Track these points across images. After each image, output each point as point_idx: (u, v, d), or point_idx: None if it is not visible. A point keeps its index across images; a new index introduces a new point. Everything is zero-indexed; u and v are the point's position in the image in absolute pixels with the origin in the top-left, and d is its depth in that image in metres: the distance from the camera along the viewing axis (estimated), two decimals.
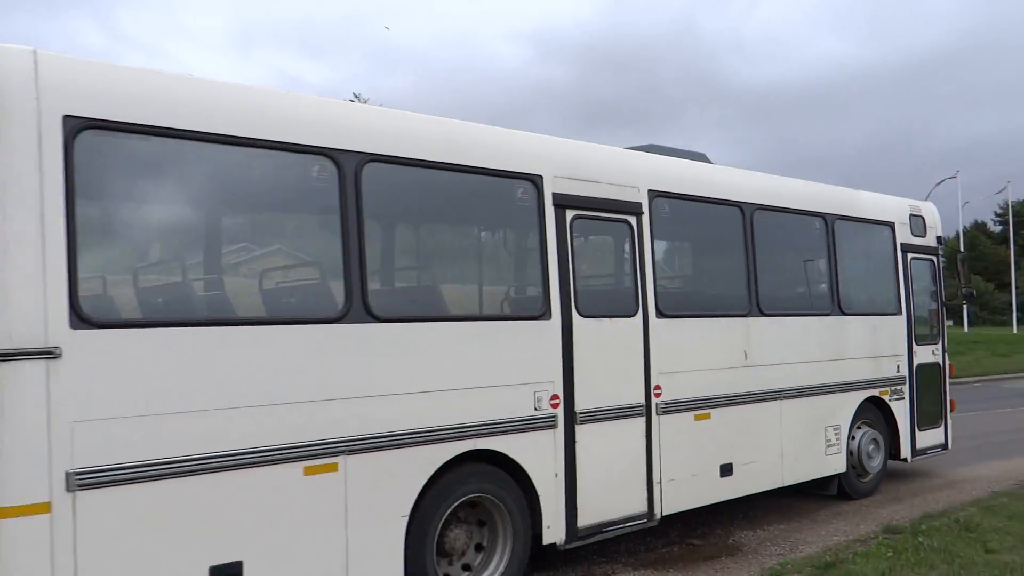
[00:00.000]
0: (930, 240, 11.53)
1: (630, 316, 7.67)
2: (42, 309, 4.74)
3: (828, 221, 9.93)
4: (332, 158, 5.95)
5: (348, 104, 6.41)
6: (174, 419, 5.10)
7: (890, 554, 7.50)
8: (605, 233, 7.92)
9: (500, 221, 7.71)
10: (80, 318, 4.85)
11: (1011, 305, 62.07)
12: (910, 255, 11.19)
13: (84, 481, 4.82)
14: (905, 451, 10.96)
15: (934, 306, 11.60)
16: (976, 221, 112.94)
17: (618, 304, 7.68)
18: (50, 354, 4.73)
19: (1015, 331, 54.50)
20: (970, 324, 56.61)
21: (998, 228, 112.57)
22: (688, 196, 8.33)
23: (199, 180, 5.73)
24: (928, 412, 11.38)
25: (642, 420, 7.68)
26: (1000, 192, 68.35)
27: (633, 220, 7.80)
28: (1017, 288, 64.66)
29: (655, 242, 7.94)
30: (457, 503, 6.49)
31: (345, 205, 5.94)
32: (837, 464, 9.93)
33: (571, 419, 7.15)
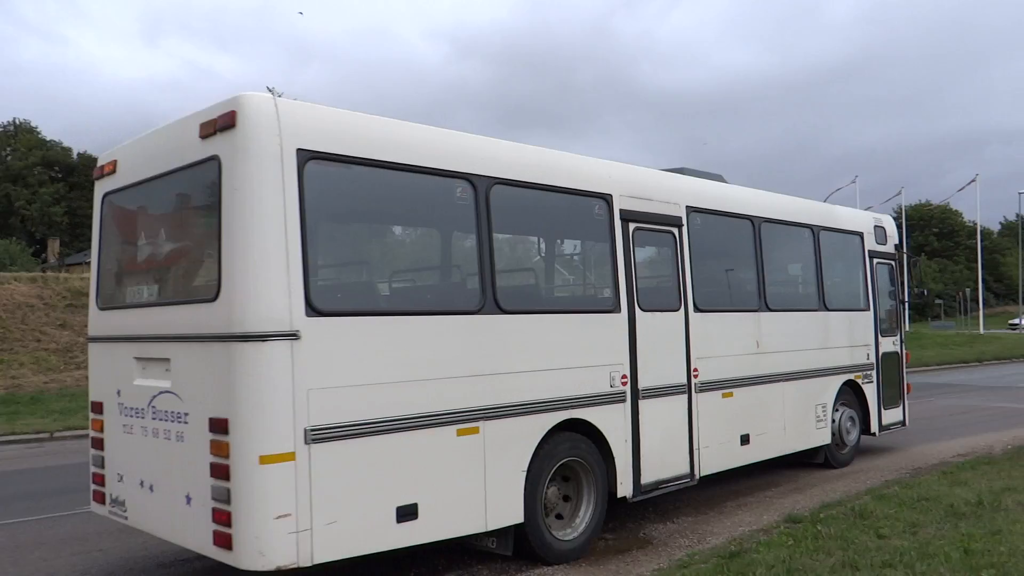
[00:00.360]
0: (889, 247, 13.69)
1: (675, 310, 9.36)
2: (287, 302, 6.08)
3: (815, 231, 11.89)
4: (471, 181, 7.42)
5: (481, 137, 7.70)
6: (375, 389, 6.51)
7: (790, 542, 7.75)
8: (655, 242, 9.47)
9: (582, 231, 9.18)
10: (312, 308, 6.20)
11: (904, 304, 65.90)
12: (875, 260, 13.30)
13: (316, 436, 6.17)
14: (874, 427, 13.01)
15: (893, 303, 13.70)
16: None
17: (666, 300, 9.31)
18: (293, 335, 6.09)
19: (907, 328, 57.94)
20: None
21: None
22: (714, 211, 10.13)
23: (388, 197, 7.18)
24: (891, 393, 13.48)
25: (685, 397, 9.36)
26: (893, 198, 71.36)
27: (675, 231, 9.52)
28: (909, 288, 68.65)
29: (691, 248, 9.64)
30: (559, 463, 7.90)
31: (479, 220, 7.42)
32: (824, 437, 11.86)
33: (636, 395, 8.74)
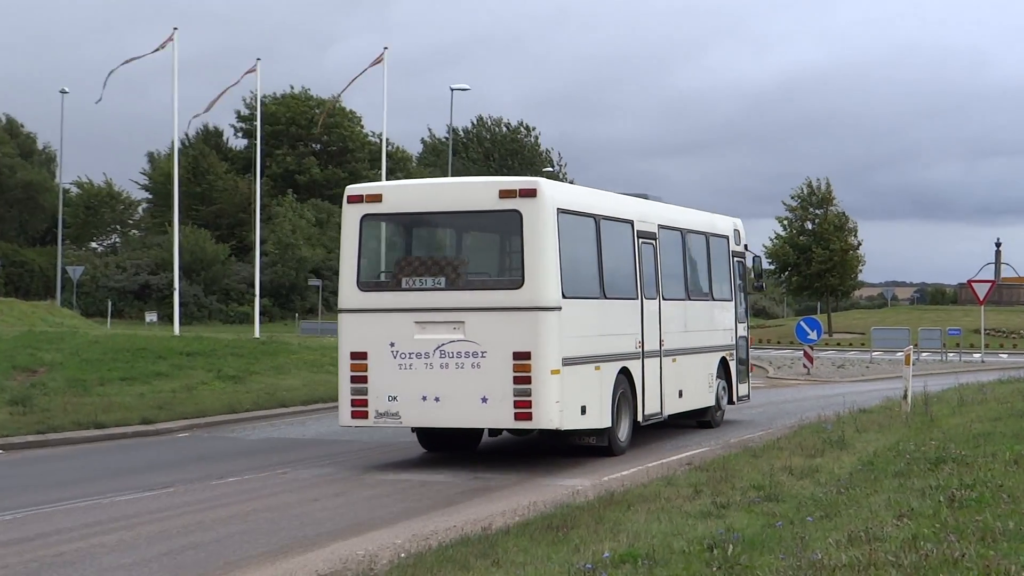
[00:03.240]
0: (742, 247, 21.73)
1: (653, 298, 17.33)
2: (557, 291, 14.35)
3: (707, 237, 20.08)
4: (594, 219, 16.08)
5: (602, 193, 17.04)
6: (585, 339, 15.10)
7: None
8: (648, 249, 17.47)
9: (623, 245, 17.24)
10: (563, 295, 14.27)
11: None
12: (735, 258, 20.90)
13: (567, 361, 14.35)
14: (735, 396, 20.98)
15: (744, 295, 21.69)
16: (204, 130, 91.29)
17: (651, 290, 17.47)
18: (559, 308, 14.30)
19: (259, 335, 41.94)
20: (181, 323, 42.91)
21: (243, 141, 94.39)
22: (669, 227, 18.18)
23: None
24: (743, 370, 21.54)
25: (657, 359, 17.56)
26: (243, 78, 47.79)
27: (654, 242, 17.37)
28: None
29: (660, 253, 17.68)
30: (620, 391, 15.91)
31: (597, 240, 16.50)
32: (712, 399, 20.09)
33: (642, 355, 16.78)
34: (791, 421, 19.69)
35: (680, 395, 18.05)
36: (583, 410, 14.68)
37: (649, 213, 17.73)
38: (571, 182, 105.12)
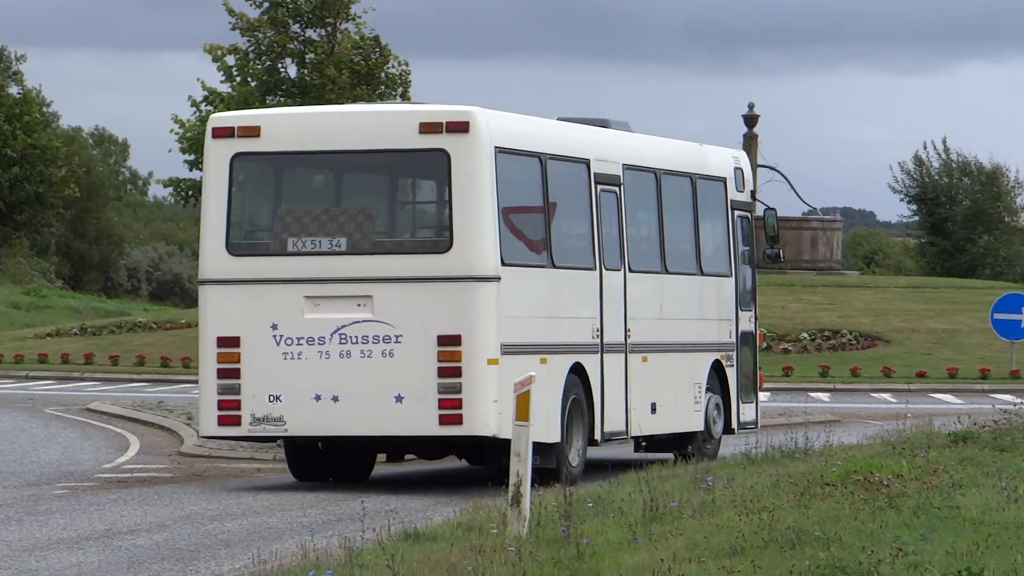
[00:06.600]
0: (747, 195, 16.59)
1: (617, 269, 14.52)
2: (495, 256, 11.32)
3: (693, 181, 15.43)
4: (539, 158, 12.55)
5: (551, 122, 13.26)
6: (529, 321, 12.00)
7: None
8: (610, 199, 14.18)
9: (576, 194, 13.98)
10: (502, 261, 11.25)
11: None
12: (736, 212, 16.03)
13: (507, 350, 11.27)
14: (735, 421, 16.35)
15: (749, 268, 16.74)
16: None
17: (614, 258, 14.42)
18: (497, 279, 11.24)
19: None
20: None
21: None
22: (638, 167, 14.64)
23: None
24: (746, 384, 16.68)
25: (622, 355, 14.40)
26: None
27: (618, 189, 14.41)
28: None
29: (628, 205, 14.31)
30: (573, 396, 12.74)
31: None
32: (699, 422, 15.85)
33: (601, 349, 13.61)
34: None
35: (653, 410, 14.53)
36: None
37: (611, 148, 14.30)
38: None
